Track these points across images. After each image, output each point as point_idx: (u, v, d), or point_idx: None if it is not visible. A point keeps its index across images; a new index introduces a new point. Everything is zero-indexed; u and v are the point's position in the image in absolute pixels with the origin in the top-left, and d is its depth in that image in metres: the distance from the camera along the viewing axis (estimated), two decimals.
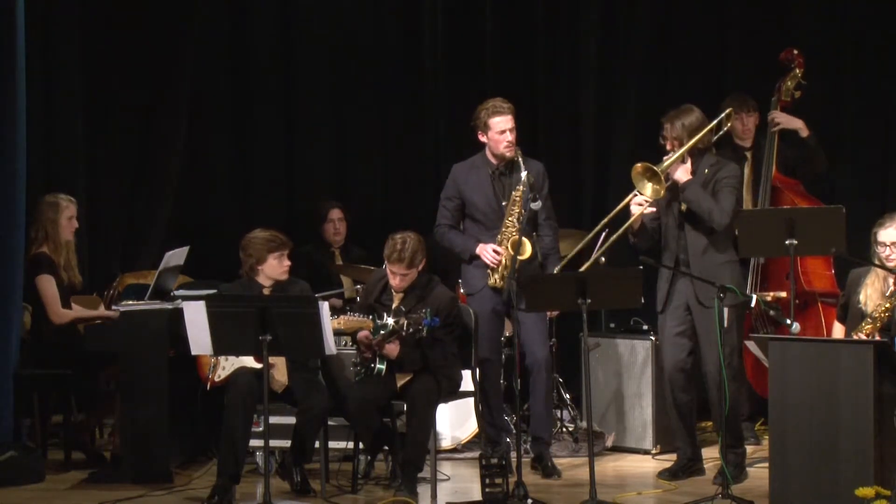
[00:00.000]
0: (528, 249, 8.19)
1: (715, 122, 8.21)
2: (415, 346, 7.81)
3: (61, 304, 8.52)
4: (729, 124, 8.64)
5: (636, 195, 8.04)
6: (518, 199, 8.20)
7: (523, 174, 8.16)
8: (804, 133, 9.24)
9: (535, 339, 8.34)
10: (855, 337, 7.62)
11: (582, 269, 8.40)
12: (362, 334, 7.85)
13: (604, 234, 9.31)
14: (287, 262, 7.95)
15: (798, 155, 9.30)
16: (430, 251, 8.24)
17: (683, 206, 8.07)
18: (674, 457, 8.43)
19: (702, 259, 8.01)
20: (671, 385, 8.17)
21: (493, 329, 8.39)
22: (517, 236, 8.13)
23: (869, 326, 7.64)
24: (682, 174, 8.02)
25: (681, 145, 8.02)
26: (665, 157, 8.03)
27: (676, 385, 8.14)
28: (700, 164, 8.07)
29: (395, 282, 7.89)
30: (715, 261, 8.01)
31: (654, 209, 8.06)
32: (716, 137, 8.34)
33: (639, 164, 7.93)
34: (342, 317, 7.87)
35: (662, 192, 7.92)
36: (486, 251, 8.27)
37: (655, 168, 7.90)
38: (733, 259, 8.14)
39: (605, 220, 8.34)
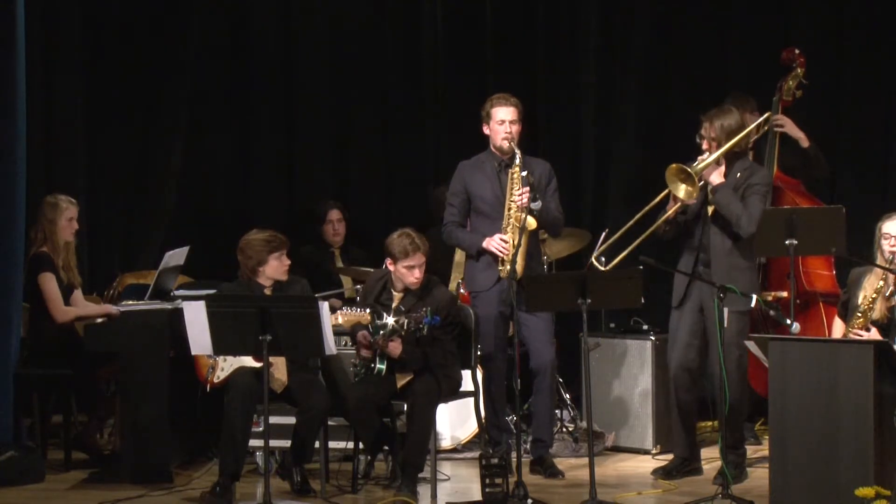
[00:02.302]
0: (532, 222, 8.16)
1: (753, 125, 8.16)
2: (415, 345, 7.81)
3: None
4: (766, 128, 8.63)
5: None
6: (516, 178, 8.19)
7: (522, 172, 8.15)
8: (804, 144, 9.23)
9: (540, 341, 8.33)
10: (851, 334, 7.63)
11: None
12: (361, 334, 7.85)
13: (604, 234, 9.34)
14: (287, 262, 7.96)
15: (797, 161, 9.29)
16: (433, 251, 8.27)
17: (711, 208, 8.04)
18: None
19: (725, 261, 7.96)
20: (675, 384, 8.15)
21: (499, 329, 8.38)
22: (519, 214, 8.12)
23: (860, 321, 7.65)
24: (716, 177, 7.97)
25: (718, 146, 7.96)
26: (700, 158, 7.97)
27: (681, 384, 8.12)
28: (733, 168, 8.02)
29: (413, 276, 7.84)
30: (737, 265, 7.96)
31: (693, 201, 8.00)
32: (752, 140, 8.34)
33: (673, 165, 7.87)
34: (339, 311, 7.86)
35: (695, 194, 7.87)
36: (493, 241, 8.26)
37: (689, 169, 7.85)
38: (753, 266, 8.12)
39: (639, 214, 8.20)
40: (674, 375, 8.17)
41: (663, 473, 8.22)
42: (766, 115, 8.47)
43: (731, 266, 7.97)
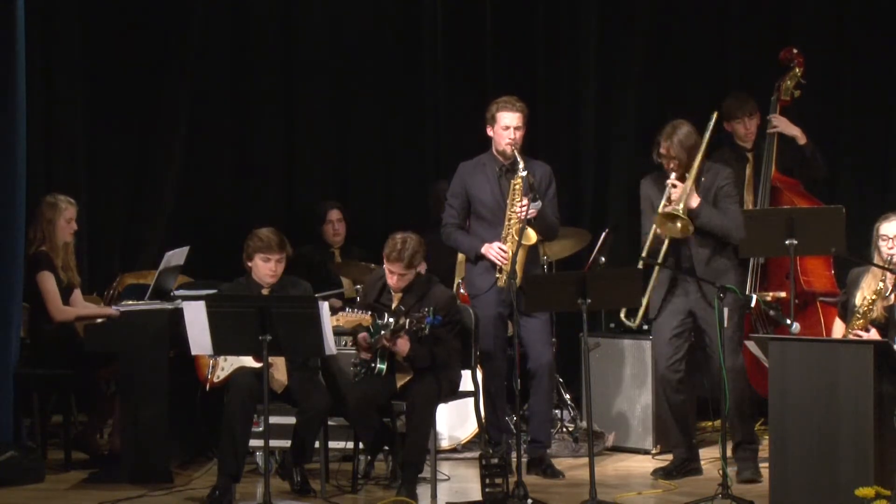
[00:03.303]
0: (532, 236, 8.17)
1: (707, 134, 8.08)
2: (419, 343, 7.80)
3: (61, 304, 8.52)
4: (712, 126, 8.61)
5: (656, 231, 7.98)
6: (518, 188, 8.18)
7: (522, 174, 8.14)
8: (801, 141, 9.22)
9: (539, 342, 8.32)
10: (851, 335, 7.63)
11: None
12: (361, 336, 7.85)
13: (604, 234, 9.35)
14: (272, 267, 7.87)
15: (795, 160, 9.29)
16: (435, 251, 8.26)
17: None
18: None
19: (707, 267, 7.97)
20: (663, 386, 8.17)
21: (498, 329, 8.38)
22: (519, 226, 8.11)
23: (860, 322, 7.66)
24: (693, 200, 7.92)
25: (679, 164, 7.95)
26: (670, 184, 7.89)
27: (669, 386, 8.14)
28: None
29: (392, 281, 7.89)
30: (719, 267, 7.97)
31: (690, 231, 7.93)
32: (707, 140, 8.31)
33: (658, 216, 7.83)
34: (341, 313, 7.87)
35: (690, 226, 7.85)
36: (493, 249, 8.26)
37: (675, 212, 7.80)
38: (736, 264, 8.12)
39: (641, 261, 8.10)
40: (661, 378, 8.18)
41: (663, 474, 8.22)
42: (713, 117, 8.28)
43: (715, 268, 7.95)
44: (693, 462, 8.27)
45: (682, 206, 7.86)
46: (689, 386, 8.21)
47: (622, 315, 8.33)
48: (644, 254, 7.99)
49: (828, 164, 9.49)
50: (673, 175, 7.96)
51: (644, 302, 8.06)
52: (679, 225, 7.87)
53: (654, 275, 8.10)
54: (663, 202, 7.94)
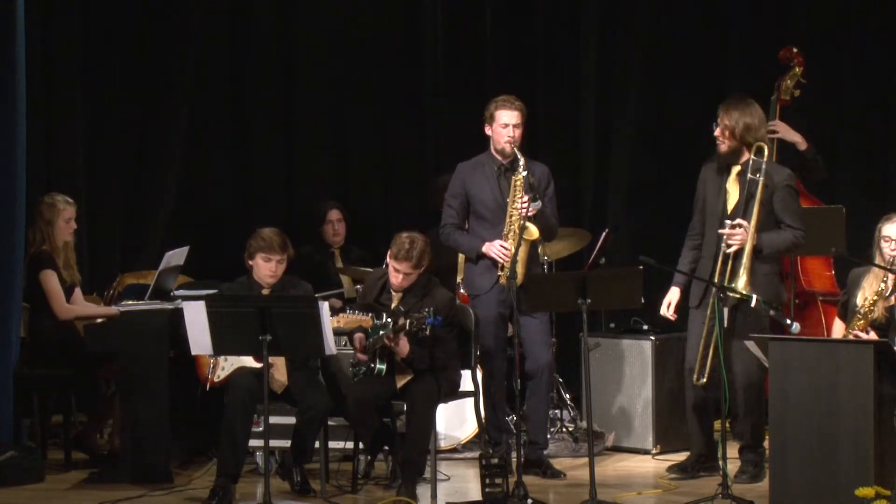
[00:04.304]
0: (534, 231, 8.16)
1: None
2: (419, 345, 7.80)
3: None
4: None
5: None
6: (519, 185, 8.17)
7: (522, 172, 8.13)
8: (802, 147, 9.18)
9: (537, 343, 8.32)
10: (851, 335, 7.63)
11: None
12: (357, 336, 7.84)
13: (604, 234, 9.35)
14: (272, 267, 7.88)
15: (794, 163, 9.26)
16: (435, 250, 8.26)
17: (731, 206, 7.93)
18: (674, 457, 8.46)
19: (750, 273, 7.90)
20: (690, 381, 8.07)
21: (498, 329, 8.37)
22: (521, 222, 8.09)
23: (861, 322, 7.66)
24: (744, 239, 7.86)
25: (731, 135, 7.89)
26: (731, 229, 7.80)
27: (695, 382, 8.06)
28: (750, 164, 7.93)
29: (396, 280, 7.88)
30: (760, 270, 7.90)
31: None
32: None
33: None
34: (342, 315, 7.87)
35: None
36: (494, 247, 8.25)
37: (777, 314, 7.62)
38: (776, 271, 8.04)
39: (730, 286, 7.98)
40: (689, 371, 8.10)
41: (678, 470, 8.18)
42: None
43: (755, 270, 7.89)
44: (711, 459, 8.16)
45: (744, 279, 7.75)
46: (715, 383, 8.11)
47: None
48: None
49: (827, 166, 9.47)
50: (728, 223, 7.85)
51: (707, 361, 7.93)
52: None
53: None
54: (724, 247, 7.81)
